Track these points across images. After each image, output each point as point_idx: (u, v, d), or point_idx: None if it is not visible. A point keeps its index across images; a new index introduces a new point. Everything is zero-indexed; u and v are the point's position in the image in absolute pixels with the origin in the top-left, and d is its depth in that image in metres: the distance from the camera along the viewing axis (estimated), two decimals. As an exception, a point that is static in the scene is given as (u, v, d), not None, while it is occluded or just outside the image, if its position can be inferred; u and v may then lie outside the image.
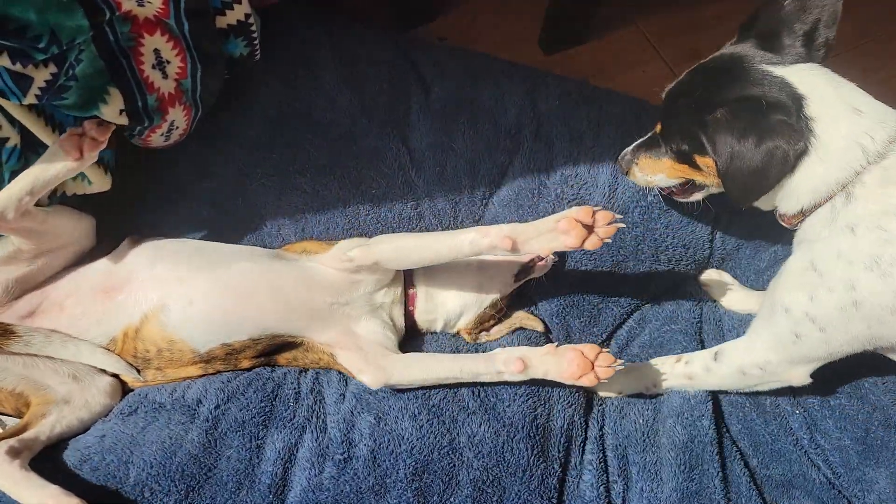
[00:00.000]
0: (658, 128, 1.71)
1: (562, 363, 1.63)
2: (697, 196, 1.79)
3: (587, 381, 1.62)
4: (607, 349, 1.70)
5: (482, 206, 2.09)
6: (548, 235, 1.55)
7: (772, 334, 1.60)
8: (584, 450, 1.78)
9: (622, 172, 1.86)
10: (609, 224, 1.52)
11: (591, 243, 1.52)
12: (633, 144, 1.81)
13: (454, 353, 1.87)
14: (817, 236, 1.47)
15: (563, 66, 2.61)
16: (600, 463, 1.76)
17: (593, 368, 1.63)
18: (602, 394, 1.89)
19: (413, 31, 2.64)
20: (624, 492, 1.74)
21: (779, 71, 1.49)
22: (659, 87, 1.70)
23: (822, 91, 1.46)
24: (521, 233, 1.56)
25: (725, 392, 1.85)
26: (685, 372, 1.77)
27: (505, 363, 1.67)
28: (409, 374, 1.69)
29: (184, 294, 1.69)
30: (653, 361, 1.85)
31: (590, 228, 1.53)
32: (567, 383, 1.66)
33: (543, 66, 2.52)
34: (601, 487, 1.72)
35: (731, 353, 1.70)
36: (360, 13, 2.56)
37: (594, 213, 1.52)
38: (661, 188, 1.81)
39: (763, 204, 1.61)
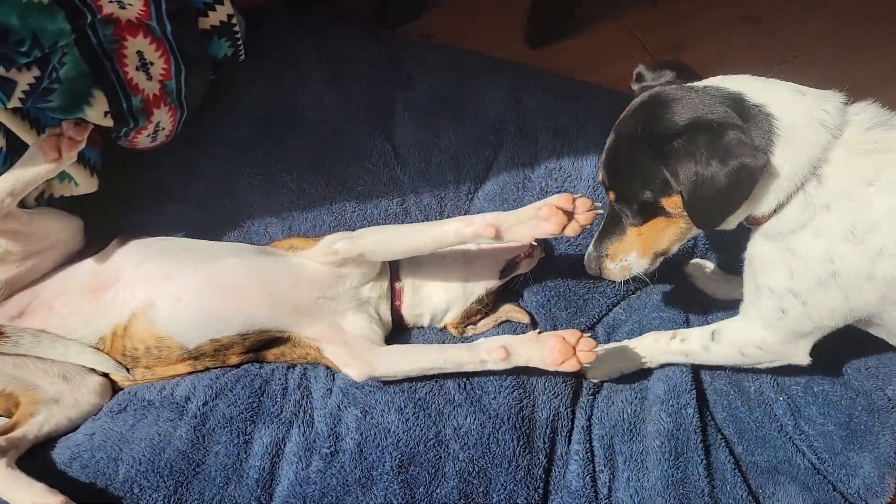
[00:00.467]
0: (611, 197, 1.60)
1: (544, 349, 1.65)
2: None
3: (569, 367, 1.64)
4: (589, 334, 1.71)
5: (468, 201, 2.11)
6: (529, 223, 1.60)
7: (760, 314, 1.62)
8: (570, 440, 1.79)
9: (594, 275, 1.73)
10: (588, 211, 1.58)
11: (572, 229, 1.59)
12: (591, 243, 1.73)
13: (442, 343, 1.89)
14: (792, 226, 1.47)
15: (550, 61, 2.61)
16: (587, 453, 1.77)
17: (575, 354, 1.65)
18: (597, 378, 1.89)
19: (399, 28, 2.65)
20: (610, 481, 1.75)
21: (700, 83, 1.48)
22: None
23: (752, 84, 1.45)
24: (504, 221, 1.62)
25: (721, 368, 1.86)
26: (681, 349, 1.78)
27: (488, 352, 1.69)
28: (393, 366, 1.71)
29: (172, 291, 1.71)
30: (646, 336, 1.85)
31: (570, 215, 1.58)
32: (550, 369, 1.67)
33: (530, 62, 2.54)
34: (587, 477, 1.74)
35: (728, 333, 1.72)
36: (346, 11, 2.57)
37: (574, 200, 1.59)
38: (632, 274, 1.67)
39: (732, 223, 1.57)
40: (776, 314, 1.58)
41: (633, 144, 1.48)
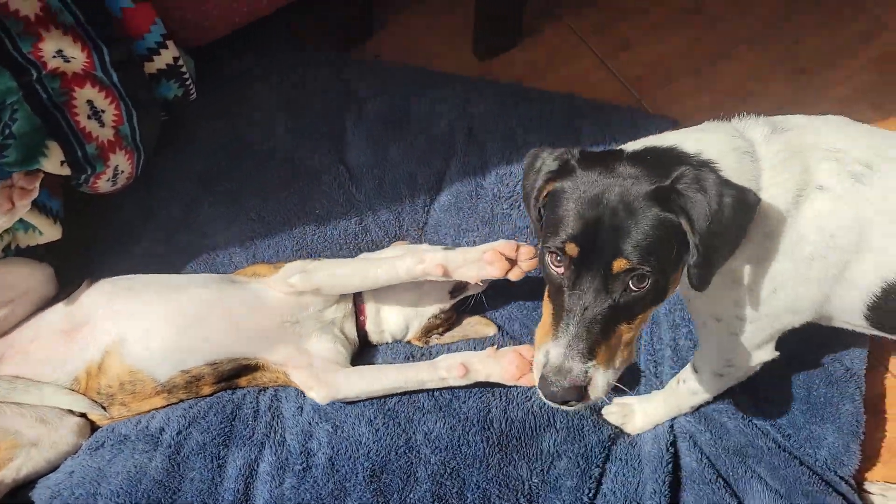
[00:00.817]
0: (622, 264, 1.24)
1: (502, 364, 1.72)
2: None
3: (527, 382, 1.70)
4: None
5: (425, 213, 2.17)
6: (476, 265, 1.70)
7: (714, 340, 1.62)
8: (549, 438, 1.80)
9: (578, 406, 1.29)
10: (531, 258, 1.67)
11: (514, 275, 1.69)
12: (556, 360, 1.26)
13: (408, 358, 1.94)
14: (737, 260, 1.43)
15: (499, 71, 2.67)
16: (572, 450, 1.78)
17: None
18: (638, 432, 1.88)
19: (349, 50, 2.71)
20: (600, 476, 1.76)
21: (635, 147, 1.35)
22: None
23: (677, 137, 1.38)
24: (452, 261, 1.71)
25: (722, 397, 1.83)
26: (689, 389, 1.78)
27: (447, 369, 1.76)
28: (356, 387, 1.77)
29: (140, 325, 1.77)
30: (666, 388, 1.86)
31: (513, 261, 1.67)
32: (509, 384, 1.73)
33: (479, 74, 2.61)
34: (575, 475, 1.74)
35: (701, 364, 1.72)
36: (298, 37, 2.63)
37: (518, 247, 1.68)
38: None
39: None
40: (728, 338, 1.58)
41: (641, 211, 1.25)
